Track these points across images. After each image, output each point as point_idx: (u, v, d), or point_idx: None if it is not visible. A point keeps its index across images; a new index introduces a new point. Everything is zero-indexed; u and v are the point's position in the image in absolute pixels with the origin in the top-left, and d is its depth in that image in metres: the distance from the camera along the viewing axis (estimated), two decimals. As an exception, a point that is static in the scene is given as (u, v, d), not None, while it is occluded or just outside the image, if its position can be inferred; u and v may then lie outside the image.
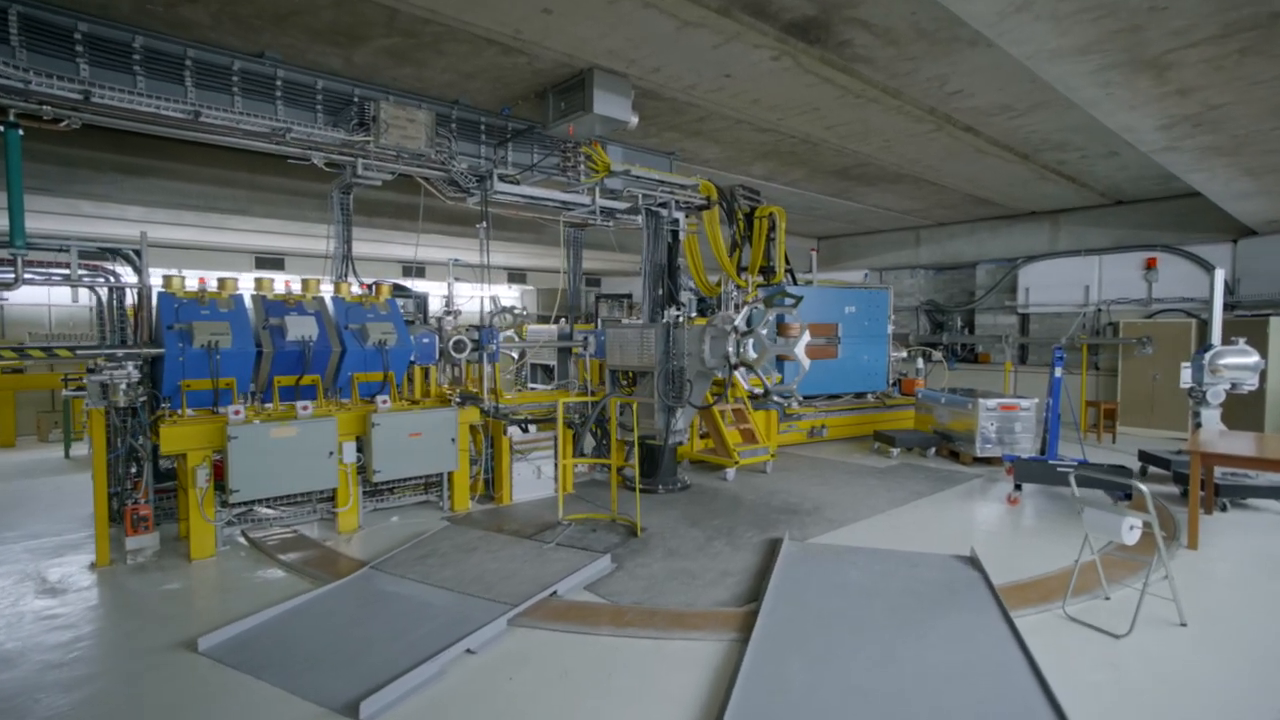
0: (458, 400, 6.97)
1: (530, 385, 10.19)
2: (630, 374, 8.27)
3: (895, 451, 10.03)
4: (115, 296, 6.02)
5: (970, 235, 14.95)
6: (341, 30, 5.66)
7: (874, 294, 11.87)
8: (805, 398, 11.24)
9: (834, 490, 8.05)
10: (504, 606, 4.53)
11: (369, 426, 6.28)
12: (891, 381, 12.53)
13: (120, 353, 5.49)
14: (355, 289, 7.00)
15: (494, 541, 5.92)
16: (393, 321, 6.76)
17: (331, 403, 6.48)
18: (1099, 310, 13.36)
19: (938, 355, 15.42)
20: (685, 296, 10.76)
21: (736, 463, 8.60)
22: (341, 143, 6.56)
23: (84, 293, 6.05)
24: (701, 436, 9.50)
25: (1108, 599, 4.82)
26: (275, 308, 6.26)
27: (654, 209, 8.52)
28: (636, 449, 6.48)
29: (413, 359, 7.03)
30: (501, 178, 7.63)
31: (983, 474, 8.91)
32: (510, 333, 10.86)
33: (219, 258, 12.87)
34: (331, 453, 6.05)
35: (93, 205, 8.56)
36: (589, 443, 7.96)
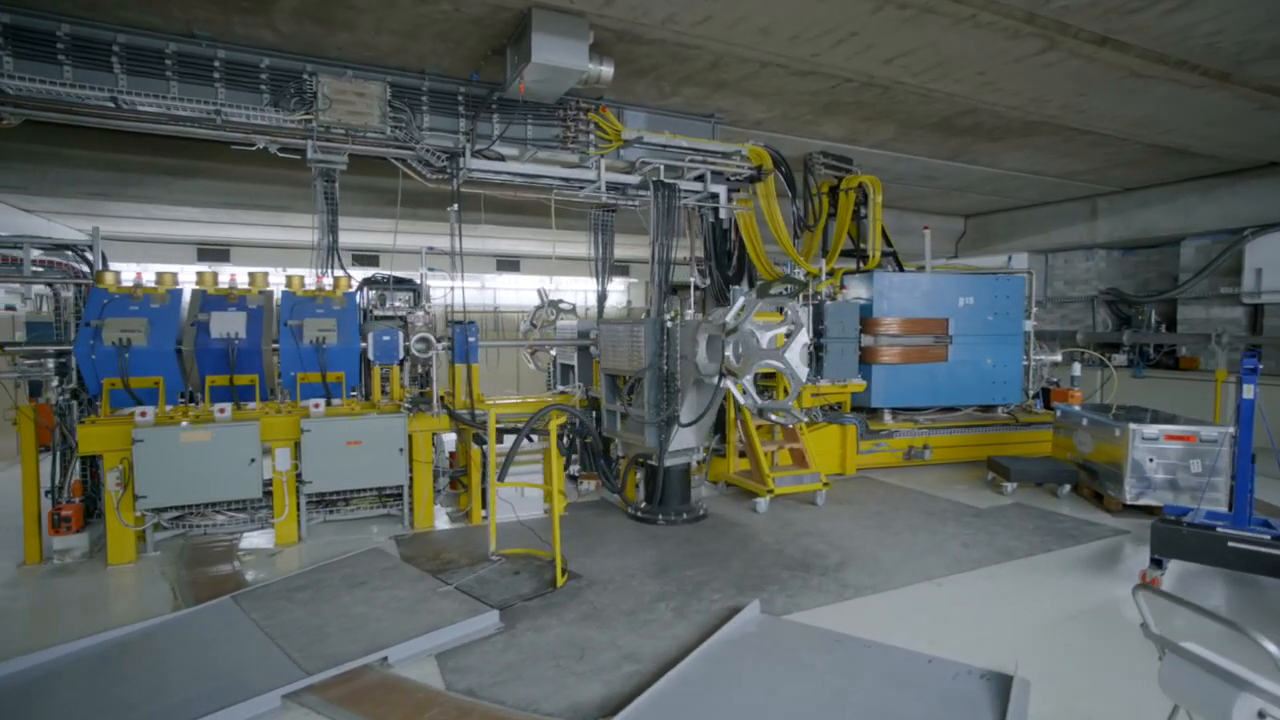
0: (407, 405, 6.21)
1: (559, 387, 9.24)
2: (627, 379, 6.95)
3: (1010, 486, 7.60)
4: (77, 293, 6.05)
5: (1170, 201, 11.29)
6: (238, -9, 5.09)
7: (1002, 281, 9.24)
8: (898, 410, 9.04)
9: (888, 538, 6.10)
10: (299, 674, 3.60)
11: (301, 433, 5.73)
12: (1033, 392, 9.75)
13: (50, 349, 5.43)
14: (311, 282, 6.50)
15: (393, 576, 5.03)
16: (338, 318, 6.15)
17: (270, 405, 6.03)
18: (1380, 299, 9.35)
19: (1120, 359, 11.98)
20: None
21: (770, 491, 6.91)
22: (289, 124, 6.08)
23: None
24: (740, 455, 7.88)
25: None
26: (213, 303, 5.92)
27: (664, 181, 7.10)
28: (558, 471, 5.21)
29: (371, 359, 6.37)
30: (479, 153, 6.75)
31: (1130, 530, 6.32)
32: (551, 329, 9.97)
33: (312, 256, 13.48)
34: (254, 459, 5.57)
35: (157, 208, 9.10)
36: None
